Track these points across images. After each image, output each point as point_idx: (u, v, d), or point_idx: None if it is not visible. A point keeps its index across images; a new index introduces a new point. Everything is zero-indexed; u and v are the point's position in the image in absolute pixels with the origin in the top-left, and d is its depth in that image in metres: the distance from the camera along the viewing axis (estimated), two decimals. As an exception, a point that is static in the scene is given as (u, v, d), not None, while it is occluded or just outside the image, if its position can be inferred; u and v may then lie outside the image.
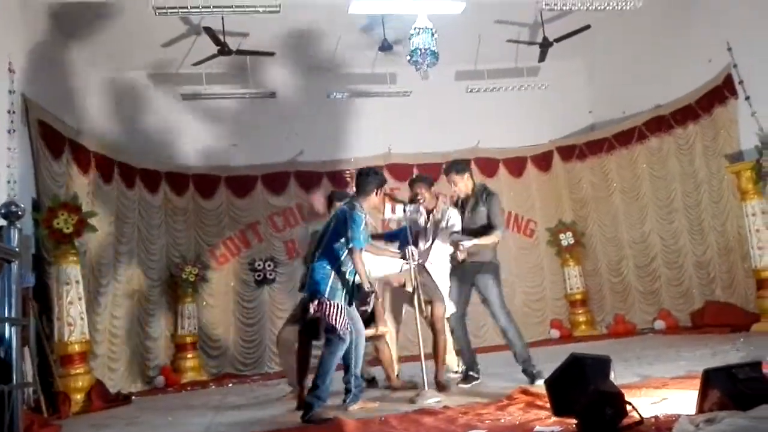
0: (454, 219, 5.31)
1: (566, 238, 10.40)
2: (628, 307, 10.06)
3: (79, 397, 6.51)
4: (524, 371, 4.99)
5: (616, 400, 2.78)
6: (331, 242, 4.50)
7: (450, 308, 5.23)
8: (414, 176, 6.10)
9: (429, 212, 5.40)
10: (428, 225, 5.33)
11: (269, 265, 10.11)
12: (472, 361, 5.33)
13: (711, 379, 2.75)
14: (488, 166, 10.81)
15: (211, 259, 9.92)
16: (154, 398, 7.62)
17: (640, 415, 2.81)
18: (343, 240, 4.46)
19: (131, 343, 8.61)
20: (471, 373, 5.27)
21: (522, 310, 10.02)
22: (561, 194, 11.00)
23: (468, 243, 5.02)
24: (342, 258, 4.47)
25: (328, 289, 4.37)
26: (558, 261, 10.58)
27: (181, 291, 9.37)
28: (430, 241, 5.29)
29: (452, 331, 5.35)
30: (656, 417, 2.91)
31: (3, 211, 2.82)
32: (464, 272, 5.21)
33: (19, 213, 2.85)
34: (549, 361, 5.25)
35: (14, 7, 7.08)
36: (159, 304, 9.30)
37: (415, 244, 5.05)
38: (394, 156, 10.58)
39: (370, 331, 5.11)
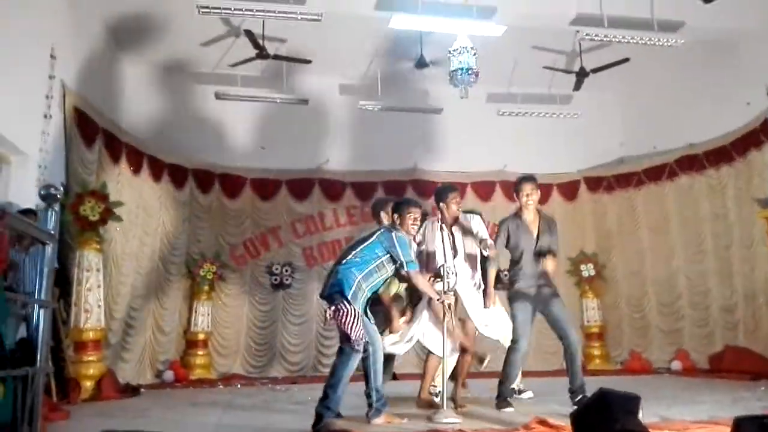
0: (478, 226, 5.21)
1: (587, 270, 10.28)
2: (646, 345, 9.90)
3: (89, 384, 6.52)
4: (575, 394, 4.89)
5: (644, 440, 2.71)
6: (365, 254, 4.49)
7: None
8: (439, 187, 5.91)
9: (450, 227, 5.16)
10: (452, 239, 5.19)
11: (287, 270, 10.11)
12: (513, 391, 5.22)
13: (742, 428, 2.67)
14: (513, 190, 10.74)
15: (230, 259, 9.94)
16: (162, 392, 7.62)
17: (666, 458, 2.74)
18: (377, 254, 4.47)
19: (144, 335, 8.63)
20: (508, 400, 5.10)
21: (536, 339, 9.87)
22: (585, 225, 10.89)
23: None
24: (368, 270, 4.45)
25: (351, 292, 4.34)
26: (577, 292, 10.44)
27: (197, 288, 9.40)
28: (461, 253, 5.15)
29: (514, 359, 5.04)
30: (681, 461, 2.84)
31: (42, 192, 2.84)
32: (540, 299, 5.03)
33: (58, 196, 2.86)
34: (560, 393, 5.20)
35: (61, -1, 7.21)
36: (175, 300, 9.33)
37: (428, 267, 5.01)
38: (419, 172, 10.58)
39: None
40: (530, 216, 5.16)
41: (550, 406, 4.94)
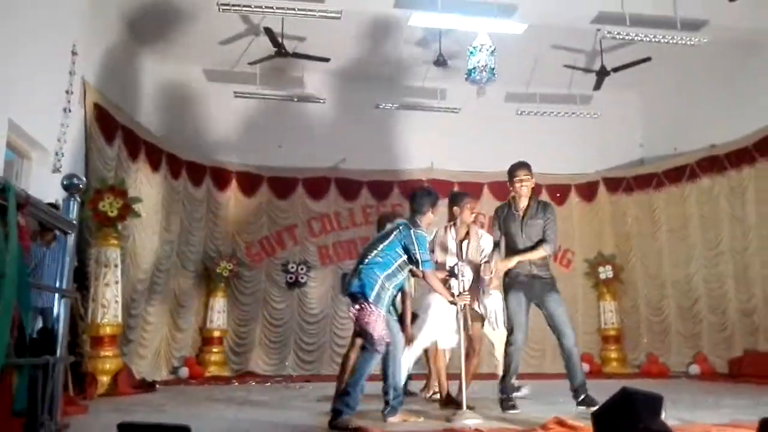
0: (486, 244, 5.21)
1: (605, 272, 10.16)
2: (664, 348, 9.78)
3: (105, 379, 6.54)
4: (577, 394, 4.77)
5: (667, 441, 2.65)
6: (387, 253, 4.45)
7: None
8: (455, 192, 5.93)
9: (463, 236, 5.15)
10: (462, 247, 5.15)
11: (302, 269, 10.11)
12: (513, 387, 5.12)
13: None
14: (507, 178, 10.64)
15: (246, 257, 9.96)
16: (177, 388, 7.64)
17: (691, 459, 2.68)
18: (397, 253, 4.43)
19: (161, 332, 8.67)
20: (512, 401, 5.03)
21: (552, 341, 9.77)
22: (603, 226, 10.79)
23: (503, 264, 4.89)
24: (391, 270, 4.42)
25: (374, 294, 4.31)
26: (594, 294, 10.33)
27: (213, 285, 9.44)
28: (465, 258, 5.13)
29: (512, 354, 4.93)
30: (705, 463, 2.78)
31: (65, 182, 2.84)
32: (531, 289, 4.90)
33: (81, 186, 2.85)
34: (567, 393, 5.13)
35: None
36: (191, 297, 9.37)
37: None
38: (435, 172, 10.53)
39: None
40: (523, 203, 5.00)
41: (563, 407, 4.86)
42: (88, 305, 6.74)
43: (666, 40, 8.03)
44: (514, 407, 4.82)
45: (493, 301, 5.43)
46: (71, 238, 2.74)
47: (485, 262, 5.03)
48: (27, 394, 2.37)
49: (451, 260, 5.04)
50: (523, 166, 5.05)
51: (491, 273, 4.97)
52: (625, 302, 10.37)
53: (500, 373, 5.59)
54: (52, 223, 2.71)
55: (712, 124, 9.41)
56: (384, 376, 4.44)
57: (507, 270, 4.96)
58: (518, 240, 4.93)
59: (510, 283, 4.94)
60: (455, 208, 5.12)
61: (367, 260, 4.43)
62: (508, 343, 4.92)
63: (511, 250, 4.98)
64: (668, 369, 9.45)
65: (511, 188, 5.06)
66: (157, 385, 7.49)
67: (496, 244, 5.07)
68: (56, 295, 2.72)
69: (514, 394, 5.50)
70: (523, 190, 4.97)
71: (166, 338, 8.86)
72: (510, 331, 4.94)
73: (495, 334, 5.74)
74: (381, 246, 4.48)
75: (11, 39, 5.48)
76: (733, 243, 9.04)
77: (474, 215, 5.37)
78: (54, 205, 5.68)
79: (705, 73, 9.46)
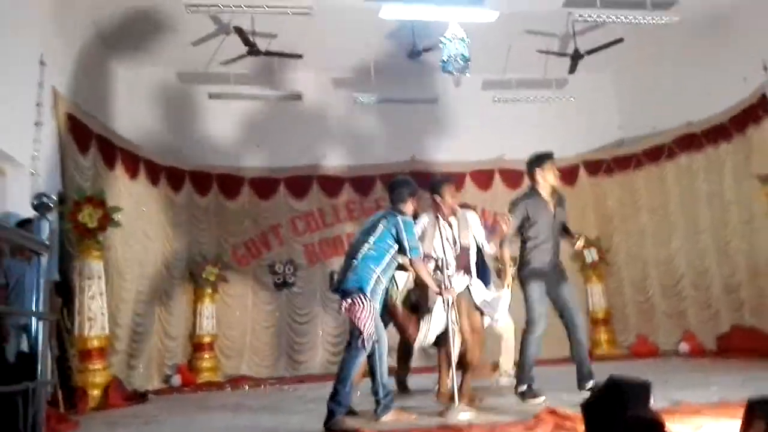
0: (474, 222, 5.14)
1: (590, 255, 10.19)
2: (652, 328, 9.85)
3: (96, 392, 6.47)
4: (582, 381, 4.87)
5: (656, 429, 2.66)
6: (379, 245, 4.43)
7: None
8: (437, 177, 5.91)
9: (447, 220, 5.08)
10: (451, 234, 5.13)
11: (289, 269, 10.07)
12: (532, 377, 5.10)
13: (756, 410, 2.62)
14: (512, 177, 10.60)
15: (232, 260, 9.90)
16: (170, 397, 7.59)
17: (680, 444, 2.70)
18: (389, 244, 4.41)
19: (151, 341, 8.60)
20: (534, 388, 5.01)
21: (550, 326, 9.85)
22: (586, 209, 10.81)
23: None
24: (386, 263, 4.41)
25: (370, 288, 4.31)
26: (581, 278, 10.35)
27: (201, 290, 9.37)
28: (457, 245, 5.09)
29: (523, 345, 4.97)
30: (696, 446, 2.80)
31: (35, 202, 2.78)
32: (549, 278, 4.95)
33: (50, 205, 2.80)
34: (568, 380, 5.15)
35: (47, 3, 7.11)
36: (180, 303, 9.29)
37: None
38: (417, 163, 10.49)
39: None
40: (546, 192, 5.10)
41: (558, 396, 4.89)
42: (75, 319, 6.67)
43: (637, 21, 8.05)
44: (535, 396, 4.83)
45: (480, 290, 5.36)
46: (44, 259, 2.68)
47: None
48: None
49: (437, 247, 4.97)
50: (551, 157, 5.17)
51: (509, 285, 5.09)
52: (612, 284, 10.42)
53: (505, 365, 5.61)
54: (23, 245, 2.65)
55: (688, 101, 9.44)
56: (372, 375, 4.44)
57: (523, 260, 5.02)
58: (549, 229, 4.99)
59: (530, 273, 4.96)
60: (436, 196, 5.08)
61: (360, 254, 4.40)
62: (529, 332, 4.93)
63: (540, 240, 4.99)
64: (658, 348, 9.53)
65: (535, 177, 5.11)
66: (150, 395, 7.44)
67: (510, 238, 5.09)
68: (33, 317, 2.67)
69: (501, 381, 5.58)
70: (552, 178, 5.10)
71: (157, 347, 8.79)
72: (531, 321, 4.93)
73: (504, 327, 5.74)
74: (371, 239, 4.46)
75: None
76: (713, 219, 9.10)
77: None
78: (32, 221, 5.62)
79: (678, 51, 9.50)
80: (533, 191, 5.13)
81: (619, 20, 8.06)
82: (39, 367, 2.61)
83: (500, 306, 5.09)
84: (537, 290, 4.92)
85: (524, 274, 5.02)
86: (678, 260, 9.65)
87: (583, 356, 4.92)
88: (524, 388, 4.90)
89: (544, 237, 4.98)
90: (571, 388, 4.97)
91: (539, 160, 5.18)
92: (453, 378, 4.56)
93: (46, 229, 2.75)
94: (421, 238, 4.96)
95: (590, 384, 4.81)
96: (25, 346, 5.08)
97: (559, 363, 7.00)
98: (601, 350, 9.85)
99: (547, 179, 5.10)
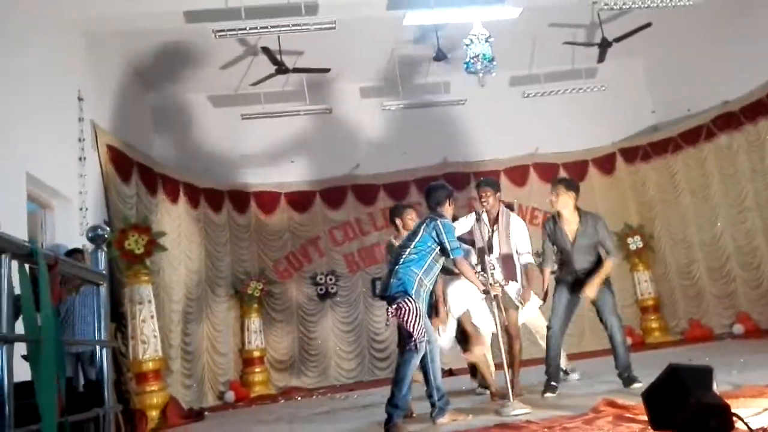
0: (519, 230, 5.26)
1: (634, 242, 10.04)
2: (702, 312, 9.65)
3: (154, 413, 6.63)
4: (621, 375, 4.98)
5: (722, 413, 2.62)
6: (420, 248, 4.47)
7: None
8: (481, 179, 5.99)
9: (493, 221, 5.30)
10: (493, 234, 5.23)
11: (330, 279, 10.16)
12: (558, 372, 5.23)
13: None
14: (548, 171, 10.56)
15: (275, 275, 10.03)
16: (225, 413, 7.72)
17: (749, 428, 2.64)
18: (430, 247, 4.45)
19: (203, 359, 8.77)
20: (553, 383, 5.10)
21: (589, 316, 9.70)
22: (626, 197, 10.68)
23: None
24: (427, 264, 4.44)
25: (413, 291, 4.34)
26: (626, 266, 10.20)
27: (246, 306, 9.52)
28: (497, 251, 5.18)
29: (549, 340, 5.20)
30: (764, 429, 2.73)
31: (90, 234, 2.87)
32: (579, 284, 5.11)
33: (105, 236, 2.89)
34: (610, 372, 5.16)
35: (79, 37, 7.35)
36: (226, 320, 9.46)
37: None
38: (450, 165, 10.49)
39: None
40: (567, 214, 5.17)
41: (605, 387, 4.87)
42: (129, 343, 6.84)
43: (663, 4, 7.92)
44: (548, 390, 5.01)
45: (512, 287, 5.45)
46: (103, 289, 2.77)
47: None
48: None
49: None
50: (555, 185, 5.25)
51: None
52: (658, 270, 10.25)
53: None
54: (82, 278, 2.75)
55: (722, 80, 9.27)
56: (425, 379, 4.45)
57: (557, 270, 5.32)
58: (570, 252, 5.14)
59: (557, 282, 5.27)
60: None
61: (401, 260, 4.44)
62: (548, 333, 5.23)
63: (563, 259, 5.24)
64: (712, 331, 9.33)
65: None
66: (206, 413, 7.58)
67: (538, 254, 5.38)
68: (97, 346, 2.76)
69: (568, 378, 5.63)
70: (556, 203, 5.19)
71: (209, 364, 8.96)
72: (550, 323, 5.23)
73: (535, 320, 5.83)
74: (412, 244, 4.50)
75: (20, 98, 5.62)
76: (757, 197, 8.91)
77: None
78: (80, 250, 5.81)
79: (707, 31, 9.32)
80: (556, 214, 5.28)
81: (644, 5, 7.94)
82: (106, 393, 2.71)
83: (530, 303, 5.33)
84: (557, 295, 5.19)
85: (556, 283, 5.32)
86: (723, 241, 9.45)
87: (618, 353, 5.04)
88: (546, 383, 5.11)
89: (566, 258, 5.20)
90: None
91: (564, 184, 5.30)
92: (506, 375, 4.55)
93: (103, 260, 2.85)
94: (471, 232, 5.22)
95: (626, 377, 4.93)
96: (80, 374, 5.26)
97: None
98: (654, 338, 9.70)
99: (554, 205, 5.22)
